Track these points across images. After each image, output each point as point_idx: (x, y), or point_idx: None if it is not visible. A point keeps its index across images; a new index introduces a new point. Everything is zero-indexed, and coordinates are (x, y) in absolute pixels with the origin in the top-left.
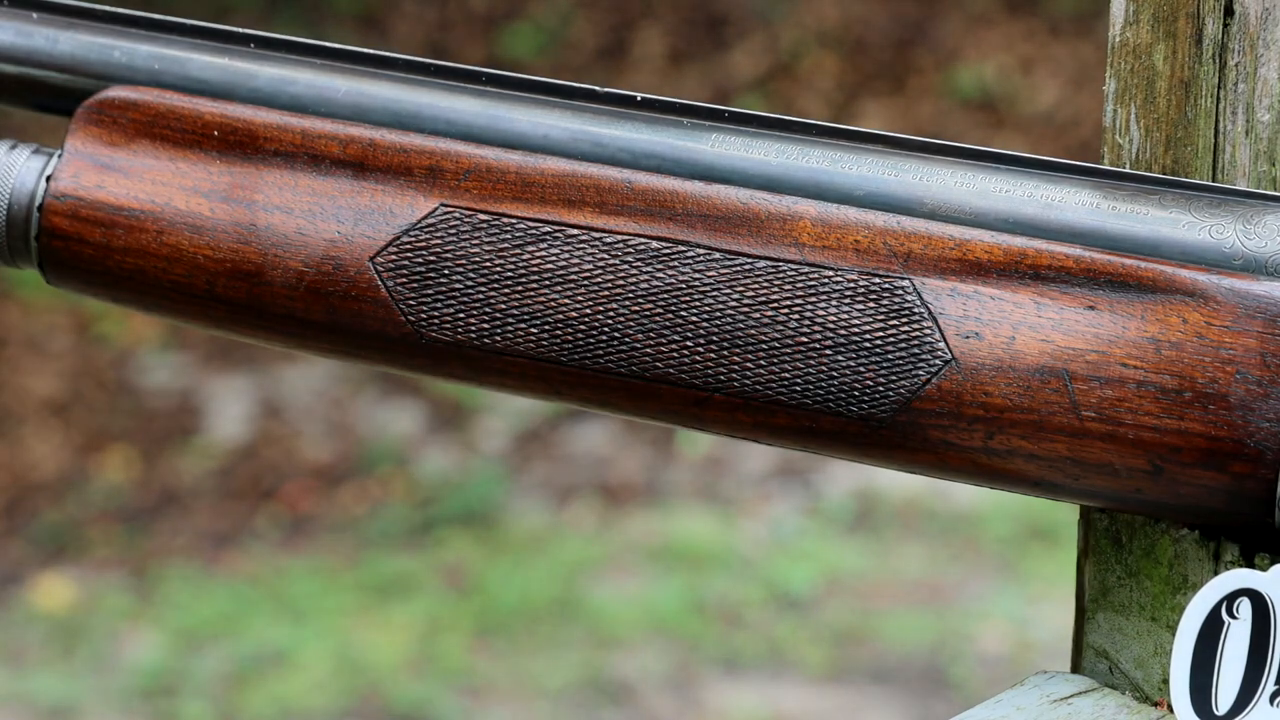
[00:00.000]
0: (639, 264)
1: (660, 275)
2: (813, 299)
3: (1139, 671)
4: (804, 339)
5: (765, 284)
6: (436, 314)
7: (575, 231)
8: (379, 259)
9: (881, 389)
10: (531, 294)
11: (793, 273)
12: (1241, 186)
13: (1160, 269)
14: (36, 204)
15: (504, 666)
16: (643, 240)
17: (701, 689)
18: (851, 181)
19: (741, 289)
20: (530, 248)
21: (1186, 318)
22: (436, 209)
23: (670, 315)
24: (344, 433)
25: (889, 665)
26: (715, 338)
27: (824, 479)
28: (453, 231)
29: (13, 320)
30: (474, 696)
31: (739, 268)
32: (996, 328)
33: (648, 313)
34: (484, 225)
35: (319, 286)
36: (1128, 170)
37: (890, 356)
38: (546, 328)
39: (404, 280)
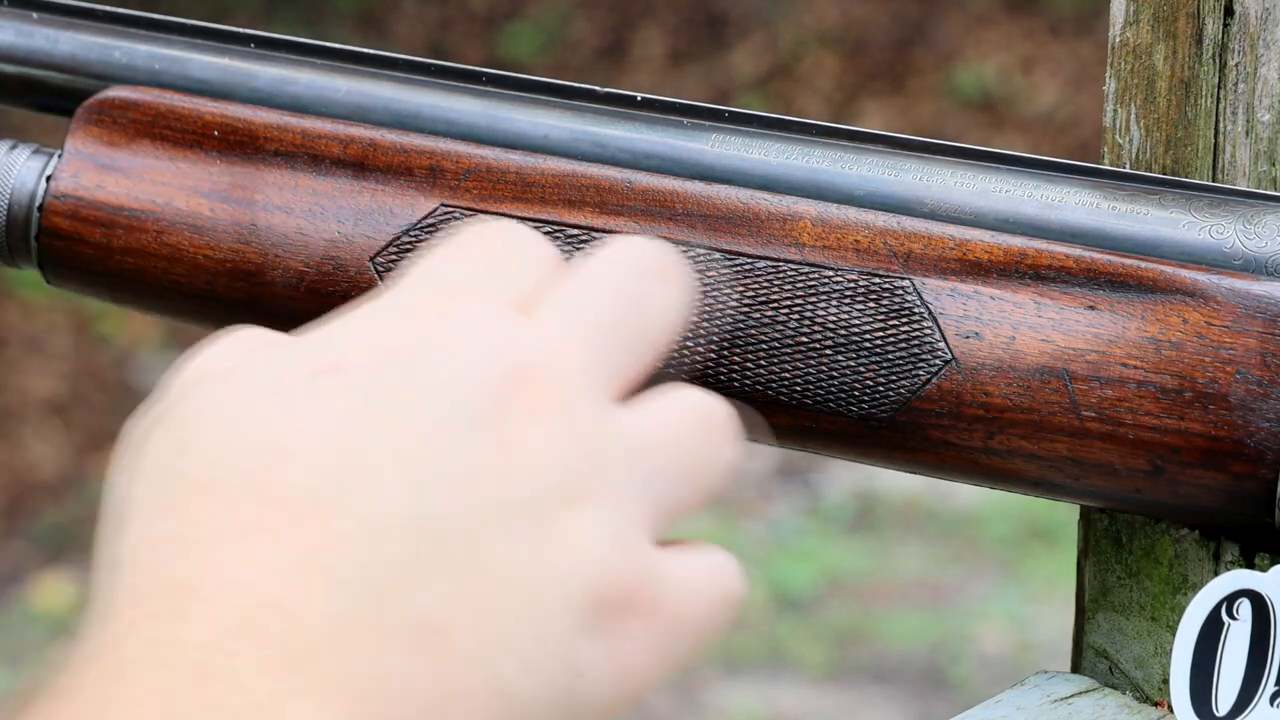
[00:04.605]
0: None
1: None
2: (813, 299)
3: (1139, 671)
4: (804, 339)
5: (765, 284)
6: None
7: (576, 231)
8: (379, 259)
9: (881, 389)
10: None
11: (793, 273)
12: (1241, 186)
13: (1160, 269)
14: (36, 204)
15: None
16: None
17: (701, 689)
18: (852, 181)
19: (742, 289)
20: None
21: (1186, 318)
22: (437, 209)
23: None
24: None
25: (889, 665)
26: (715, 338)
27: (824, 479)
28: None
29: (13, 320)
30: None
31: (739, 268)
32: (996, 328)
33: None
34: None
35: (319, 286)
36: (1128, 170)
37: (890, 356)
38: None
39: None
